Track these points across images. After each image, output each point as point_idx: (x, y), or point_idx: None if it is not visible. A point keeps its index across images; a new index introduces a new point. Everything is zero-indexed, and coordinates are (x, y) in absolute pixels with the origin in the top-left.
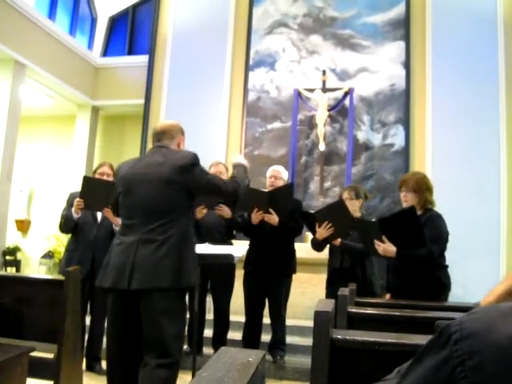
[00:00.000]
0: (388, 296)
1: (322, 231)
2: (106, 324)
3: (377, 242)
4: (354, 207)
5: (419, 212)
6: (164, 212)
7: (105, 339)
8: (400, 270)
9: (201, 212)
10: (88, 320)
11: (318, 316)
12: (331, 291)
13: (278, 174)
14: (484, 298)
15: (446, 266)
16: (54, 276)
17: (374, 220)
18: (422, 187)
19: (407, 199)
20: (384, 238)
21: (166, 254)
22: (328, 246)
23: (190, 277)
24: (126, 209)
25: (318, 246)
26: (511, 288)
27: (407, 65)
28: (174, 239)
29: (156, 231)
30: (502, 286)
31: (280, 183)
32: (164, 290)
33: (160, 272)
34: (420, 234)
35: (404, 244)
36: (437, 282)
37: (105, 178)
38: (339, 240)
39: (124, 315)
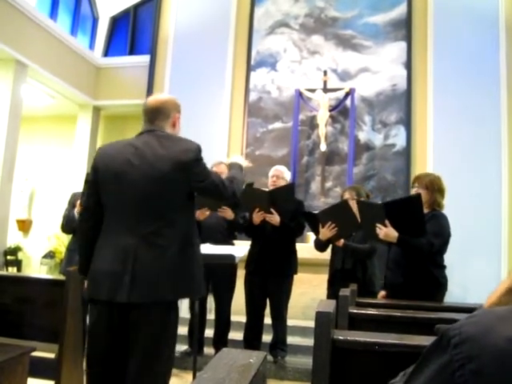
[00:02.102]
0: (383, 293)
1: (326, 231)
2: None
3: (379, 226)
4: (355, 207)
5: (426, 210)
6: (164, 211)
7: None
8: (398, 268)
9: (203, 214)
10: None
11: (320, 316)
12: (332, 291)
13: (280, 174)
14: (487, 300)
15: (444, 267)
16: (55, 276)
17: (379, 203)
18: (435, 187)
19: None
20: (387, 222)
21: (169, 262)
22: (330, 246)
23: (199, 286)
24: (117, 204)
25: (320, 246)
26: (510, 287)
27: (408, 65)
28: (178, 244)
29: (157, 234)
30: (502, 285)
31: (282, 183)
32: (168, 303)
33: (166, 283)
34: (421, 224)
35: (405, 232)
36: (434, 281)
37: None
38: (342, 241)
39: (113, 331)
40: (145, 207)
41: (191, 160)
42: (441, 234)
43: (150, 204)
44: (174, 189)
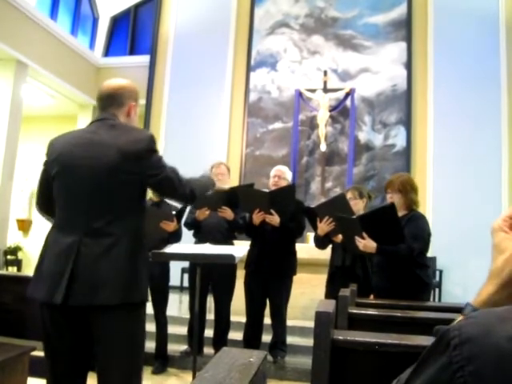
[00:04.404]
0: (372, 297)
1: (324, 226)
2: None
3: (357, 239)
4: (358, 207)
5: (404, 212)
6: (111, 207)
7: None
8: (383, 271)
9: (203, 213)
10: None
11: (319, 317)
12: (332, 290)
13: (281, 174)
14: (476, 298)
15: (428, 266)
16: None
17: (354, 217)
18: (407, 187)
19: (393, 200)
20: (364, 234)
21: (115, 261)
22: (330, 245)
23: (144, 290)
24: (63, 198)
25: (320, 242)
26: (503, 282)
27: (409, 65)
28: (126, 242)
29: (102, 231)
30: (491, 284)
31: (283, 183)
32: (115, 308)
33: (109, 284)
34: (399, 231)
35: (383, 240)
36: (418, 281)
37: None
38: (340, 236)
39: (63, 338)
40: (92, 202)
41: (142, 150)
42: (420, 237)
43: (98, 198)
44: (122, 182)
